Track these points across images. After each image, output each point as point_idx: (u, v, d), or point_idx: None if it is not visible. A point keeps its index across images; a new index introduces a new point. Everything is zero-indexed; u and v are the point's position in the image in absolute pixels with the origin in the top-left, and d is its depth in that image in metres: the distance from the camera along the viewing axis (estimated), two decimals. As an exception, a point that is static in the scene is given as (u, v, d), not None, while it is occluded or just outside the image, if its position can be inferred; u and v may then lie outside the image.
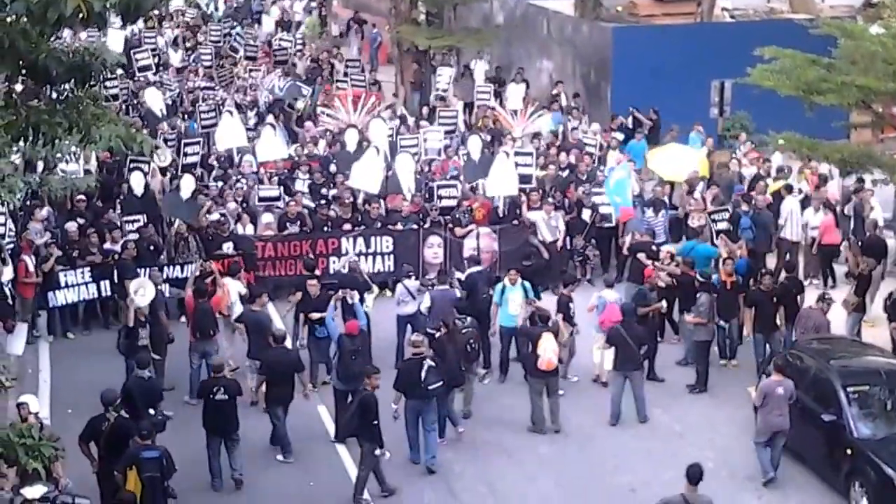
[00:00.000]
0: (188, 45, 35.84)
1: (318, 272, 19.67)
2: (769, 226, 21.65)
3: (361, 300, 18.26)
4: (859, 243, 20.50)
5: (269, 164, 24.00)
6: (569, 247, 22.07)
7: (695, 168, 23.58)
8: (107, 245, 20.59)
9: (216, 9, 43.16)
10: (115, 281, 19.83)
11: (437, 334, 16.75)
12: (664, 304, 18.68)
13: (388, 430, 15.28)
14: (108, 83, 25.23)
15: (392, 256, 21.48)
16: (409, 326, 18.25)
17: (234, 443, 15.48)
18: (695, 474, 12.71)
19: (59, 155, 13.61)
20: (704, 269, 19.27)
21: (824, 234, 21.41)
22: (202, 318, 17.70)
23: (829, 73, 19.40)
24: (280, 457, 16.16)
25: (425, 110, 29.33)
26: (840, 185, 23.15)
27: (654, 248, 20.42)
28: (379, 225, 21.81)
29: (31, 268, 19.50)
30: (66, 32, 14.87)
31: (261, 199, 22.29)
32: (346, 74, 30.87)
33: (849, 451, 14.85)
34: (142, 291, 17.67)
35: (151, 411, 14.99)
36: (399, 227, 21.75)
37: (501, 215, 22.17)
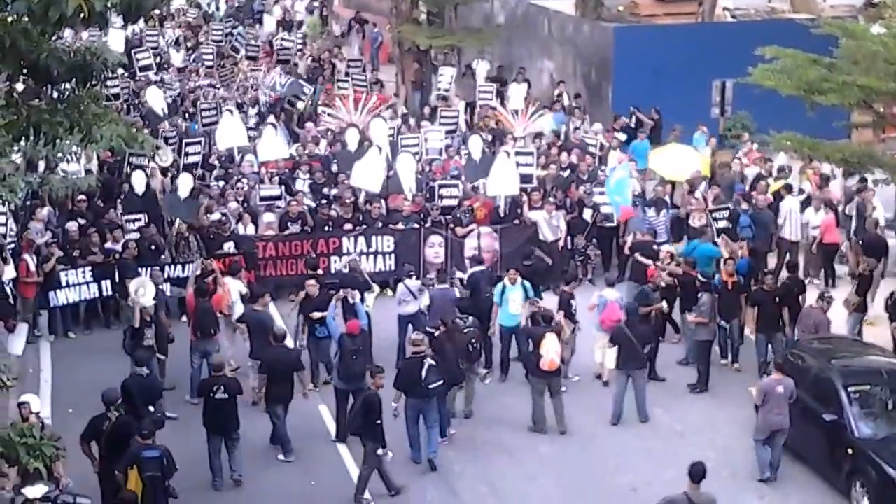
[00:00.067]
0: (189, 44, 35.84)
1: (320, 271, 19.70)
2: (769, 225, 21.65)
3: (362, 300, 18.26)
4: (860, 242, 20.50)
5: (270, 164, 24.00)
6: (570, 246, 22.07)
7: (697, 168, 23.58)
8: (108, 244, 20.60)
9: (217, 8, 43.15)
10: (116, 280, 19.82)
11: (436, 333, 16.75)
12: (664, 304, 18.67)
13: (389, 429, 15.29)
14: (108, 83, 25.22)
15: (393, 256, 21.48)
16: (410, 326, 18.25)
17: (234, 442, 15.49)
18: (698, 472, 12.75)
19: (60, 154, 13.60)
20: (706, 268, 19.26)
21: (825, 234, 21.42)
22: (203, 317, 17.71)
23: (831, 73, 19.40)
24: (281, 456, 16.17)
25: (427, 110, 29.33)
26: (842, 185, 23.15)
27: (654, 247, 20.43)
28: (380, 224, 21.81)
29: (33, 267, 19.51)
30: (68, 32, 14.88)
31: (262, 199, 22.29)
32: (347, 74, 30.86)
33: (850, 451, 14.85)
34: (142, 291, 17.68)
35: (151, 408, 14.99)
36: (400, 226, 21.75)
37: (503, 215, 22.18)
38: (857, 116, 22.40)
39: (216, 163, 24.59)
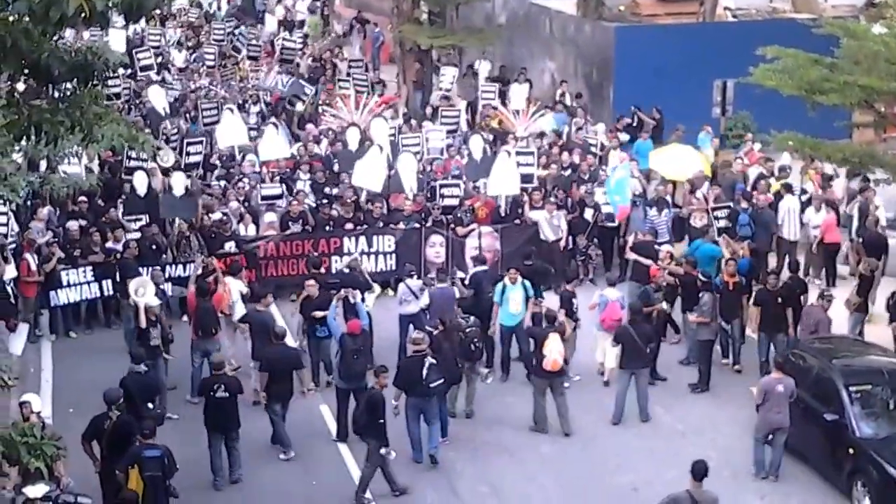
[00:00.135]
0: (190, 44, 35.83)
1: (322, 269, 19.71)
2: (770, 225, 21.65)
3: (362, 299, 18.26)
4: (861, 241, 20.49)
5: (271, 164, 23.99)
6: (571, 246, 22.07)
7: (700, 168, 23.58)
8: (109, 244, 20.59)
9: (219, 8, 43.14)
10: (118, 280, 19.82)
11: (434, 332, 16.76)
12: (664, 304, 18.63)
13: (391, 429, 15.28)
14: (110, 82, 25.20)
15: (394, 256, 21.48)
16: (411, 326, 18.25)
17: (233, 442, 15.50)
18: (700, 470, 12.78)
19: (61, 154, 13.61)
20: (708, 268, 19.25)
21: (826, 233, 21.43)
22: (204, 316, 17.72)
23: (832, 73, 19.40)
24: (282, 455, 16.17)
25: (428, 110, 29.34)
26: (845, 185, 23.14)
27: (655, 247, 20.42)
28: (381, 224, 21.81)
29: (34, 267, 19.51)
30: (69, 32, 14.86)
31: (263, 198, 22.29)
32: (348, 74, 30.85)
33: (851, 451, 14.86)
34: (142, 291, 17.70)
35: (150, 405, 14.98)
36: (401, 226, 21.75)
37: (503, 214, 22.18)
38: (859, 116, 22.40)
39: (217, 162, 24.59)
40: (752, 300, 18.41)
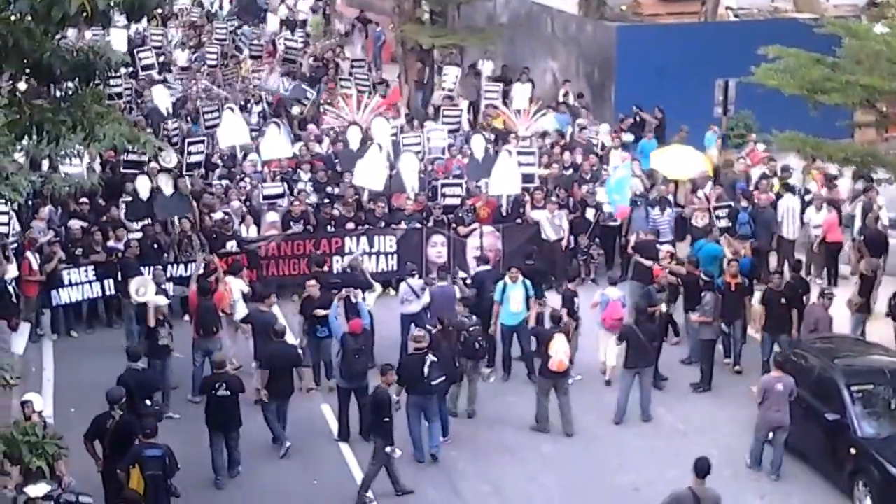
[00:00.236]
0: (192, 44, 35.82)
1: (325, 269, 19.71)
2: (771, 224, 21.66)
3: (362, 299, 18.25)
4: (862, 239, 20.49)
5: (273, 163, 23.99)
6: (573, 246, 22.07)
7: (703, 168, 23.58)
8: (110, 243, 20.60)
9: (220, 7, 43.12)
10: (119, 279, 19.83)
11: (433, 331, 16.77)
12: (663, 306, 18.59)
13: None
14: (111, 82, 25.17)
15: (395, 256, 21.48)
16: (412, 325, 18.25)
17: (234, 441, 15.53)
18: (703, 468, 12.80)
19: (62, 153, 13.62)
20: (710, 268, 19.24)
21: (828, 233, 21.42)
22: (205, 315, 17.73)
23: (834, 73, 19.40)
24: (282, 451, 16.16)
25: (431, 110, 29.33)
26: (850, 185, 23.15)
27: (657, 247, 20.41)
28: (383, 224, 21.81)
29: (35, 266, 19.51)
30: (71, 32, 14.87)
31: (265, 198, 22.29)
32: (350, 74, 30.85)
33: (852, 451, 14.85)
34: (142, 290, 17.72)
35: (148, 402, 14.97)
36: (402, 225, 21.76)
37: (505, 214, 22.18)
38: (860, 116, 22.38)
39: (219, 161, 24.59)
40: (759, 299, 18.38)
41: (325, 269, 19.79)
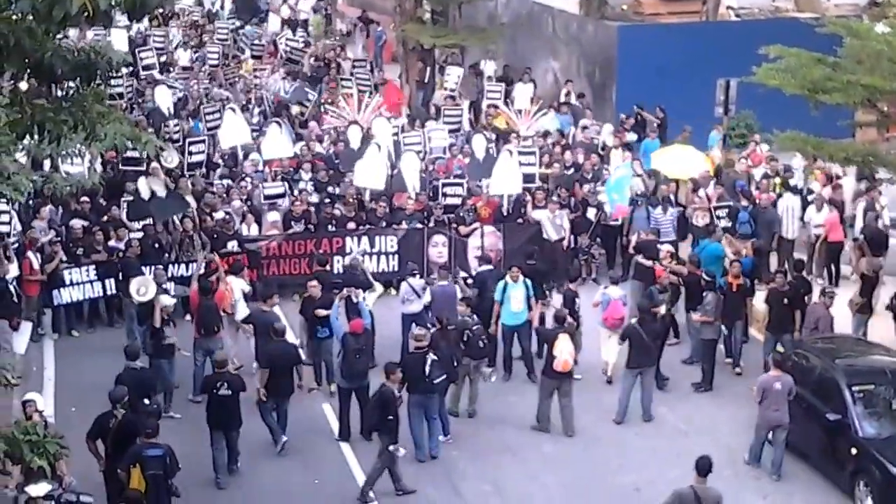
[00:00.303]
0: (193, 43, 35.80)
1: (327, 268, 19.73)
2: (772, 223, 21.66)
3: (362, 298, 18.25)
4: (863, 238, 20.48)
5: (274, 163, 23.98)
6: (574, 245, 22.07)
7: (705, 168, 23.58)
8: (111, 242, 20.60)
9: (222, 7, 43.09)
10: (120, 279, 19.83)
11: (432, 330, 16.77)
12: (663, 309, 18.57)
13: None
14: (112, 82, 25.16)
15: (396, 256, 21.49)
16: (413, 325, 18.25)
17: (234, 441, 15.57)
18: (704, 466, 12.83)
19: (64, 153, 13.62)
20: (713, 268, 19.22)
21: (830, 232, 21.42)
22: (207, 314, 17.74)
23: (835, 72, 19.39)
24: (278, 448, 16.15)
25: (433, 110, 29.32)
26: (854, 185, 23.16)
27: (658, 247, 20.40)
28: (383, 224, 21.81)
29: (36, 265, 19.52)
30: (73, 31, 14.87)
31: (266, 198, 22.28)
32: (352, 74, 30.84)
33: (854, 451, 14.85)
34: (143, 290, 17.73)
35: (146, 401, 14.97)
36: (403, 225, 21.76)
37: (506, 214, 22.18)
38: (862, 115, 22.37)
39: (220, 161, 24.60)
40: (763, 299, 18.35)
41: (327, 268, 19.78)
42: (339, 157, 24.49)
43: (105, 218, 21.26)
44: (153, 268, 19.41)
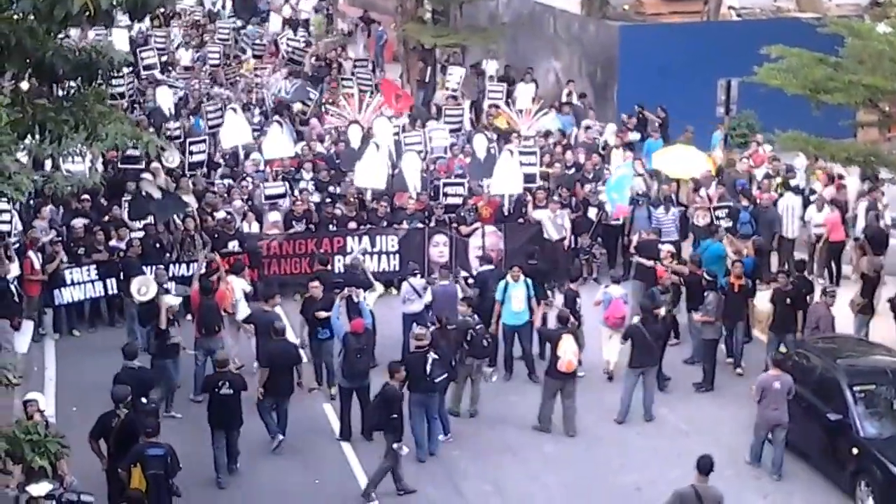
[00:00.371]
0: (194, 43, 35.80)
1: (328, 267, 19.74)
2: (773, 223, 21.66)
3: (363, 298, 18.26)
4: (864, 238, 20.48)
5: (275, 163, 23.98)
6: (575, 245, 22.06)
7: (707, 168, 23.57)
8: (112, 242, 20.61)
9: (223, 7, 43.08)
10: (121, 279, 19.83)
11: (431, 329, 16.76)
12: (663, 311, 18.56)
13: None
14: (113, 81, 25.16)
15: (397, 256, 21.49)
16: (414, 325, 18.25)
17: (234, 440, 15.57)
18: (705, 465, 12.85)
19: (65, 153, 13.65)
20: (716, 268, 19.21)
21: (832, 232, 21.42)
22: (207, 314, 17.74)
23: (836, 72, 19.39)
24: (273, 445, 16.16)
25: (434, 110, 29.32)
26: (858, 185, 23.16)
27: (659, 247, 20.40)
28: (384, 223, 21.81)
29: (37, 265, 19.52)
30: (75, 31, 14.87)
31: (267, 198, 22.28)
32: (353, 74, 30.85)
33: (855, 451, 14.85)
34: (144, 289, 17.73)
35: (144, 400, 14.97)
36: (404, 225, 21.75)
37: (507, 213, 22.17)
38: (863, 115, 22.37)
39: (221, 161, 24.60)
40: (768, 299, 18.34)
41: (328, 267, 19.79)
42: (340, 157, 24.49)
43: (106, 217, 21.27)
44: (154, 267, 19.43)
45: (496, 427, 17.07)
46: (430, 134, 25.55)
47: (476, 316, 17.50)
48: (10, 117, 10.97)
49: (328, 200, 22.47)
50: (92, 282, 20.10)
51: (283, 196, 22.39)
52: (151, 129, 22.86)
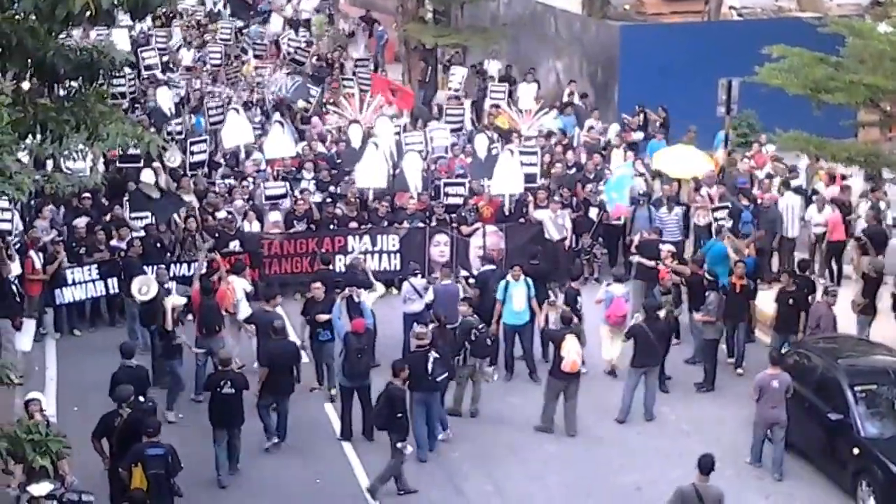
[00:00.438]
0: (195, 43, 35.81)
1: (330, 267, 19.74)
2: (774, 223, 21.65)
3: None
4: (864, 237, 20.48)
5: (277, 162, 23.99)
6: (576, 245, 22.06)
7: (710, 167, 23.57)
8: (113, 242, 20.61)
9: (224, 6, 43.09)
10: (122, 278, 19.84)
11: (430, 328, 16.76)
12: (662, 311, 18.55)
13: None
14: (114, 81, 25.16)
15: (398, 255, 21.50)
16: (415, 324, 18.24)
17: (235, 439, 15.57)
18: (706, 464, 12.87)
19: (66, 152, 13.65)
20: (717, 267, 19.20)
21: (833, 232, 21.42)
22: (208, 314, 17.74)
23: (837, 72, 19.40)
24: (266, 445, 16.16)
25: (435, 109, 29.30)
26: (862, 184, 23.17)
27: (659, 246, 20.38)
28: (385, 223, 21.82)
29: (38, 265, 19.52)
30: (77, 31, 14.87)
31: (267, 199, 22.27)
32: (354, 73, 30.86)
33: (856, 451, 14.85)
34: (145, 289, 17.73)
35: (141, 398, 14.98)
36: (405, 224, 21.76)
37: (508, 213, 22.17)
38: (864, 115, 22.38)
39: (222, 161, 24.60)
40: (773, 299, 18.34)
41: (330, 267, 19.79)
42: (341, 157, 24.49)
43: (107, 217, 21.28)
44: (155, 267, 19.43)
45: (497, 427, 17.06)
46: (432, 134, 25.55)
47: (476, 316, 17.50)
48: (11, 117, 10.98)
49: (329, 200, 22.47)
50: (93, 281, 20.10)
51: (283, 197, 22.39)
52: (153, 129, 22.86)
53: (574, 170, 24.04)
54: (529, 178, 22.65)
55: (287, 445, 16.33)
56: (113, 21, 10.56)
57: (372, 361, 17.10)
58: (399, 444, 14.95)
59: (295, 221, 21.64)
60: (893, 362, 16.17)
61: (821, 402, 15.62)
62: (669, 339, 18.08)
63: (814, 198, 22.28)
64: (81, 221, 20.83)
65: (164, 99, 27.92)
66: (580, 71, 31.51)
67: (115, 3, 10.16)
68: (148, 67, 30.53)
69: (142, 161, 22.16)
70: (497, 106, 27.95)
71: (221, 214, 21.47)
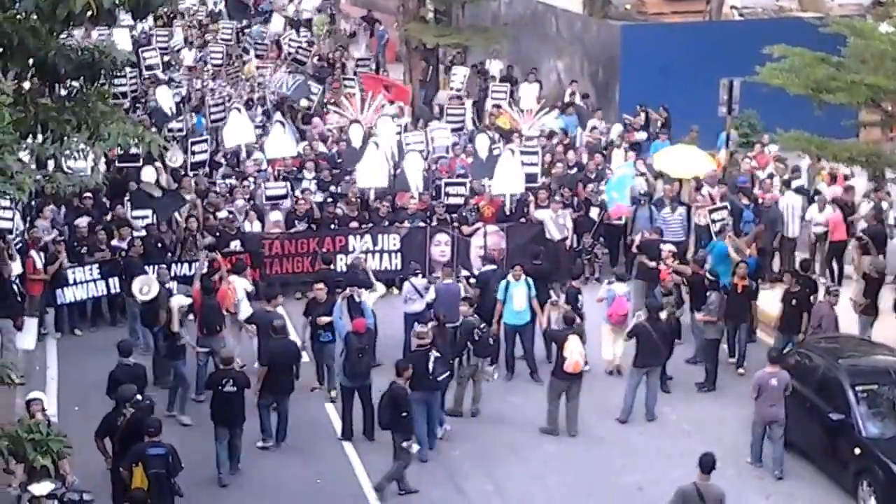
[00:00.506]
0: (197, 43, 35.81)
1: (331, 267, 19.74)
2: (776, 222, 21.65)
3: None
4: (865, 238, 20.48)
5: (278, 162, 23.99)
6: (577, 245, 22.05)
7: (712, 167, 23.57)
8: (115, 242, 20.62)
9: (225, 6, 43.06)
10: (123, 278, 19.84)
11: (430, 327, 16.77)
12: (664, 313, 18.53)
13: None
14: (115, 81, 25.17)
15: (399, 254, 21.50)
16: (416, 323, 18.23)
17: (236, 439, 15.58)
18: (707, 463, 12.88)
19: (67, 152, 13.66)
20: (720, 267, 19.18)
21: (834, 231, 21.41)
22: (209, 314, 17.74)
23: (839, 72, 19.41)
24: (259, 442, 16.19)
25: (436, 109, 29.30)
26: (866, 185, 23.17)
27: (660, 246, 20.37)
28: (386, 223, 21.82)
29: (39, 265, 19.52)
30: (78, 31, 14.88)
31: (268, 199, 22.27)
32: (355, 73, 30.86)
33: (857, 451, 14.84)
34: (145, 289, 17.72)
35: (139, 397, 14.99)
36: (406, 224, 21.76)
37: (509, 213, 22.17)
38: (865, 115, 22.39)
39: (223, 160, 24.61)
40: (779, 299, 18.34)
41: (331, 267, 19.79)
42: (342, 157, 24.49)
43: (108, 217, 21.28)
44: (156, 267, 19.44)
45: (498, 427, 17.06)
46: (433, 134, 25.56)
47: (477, 315, 17.50)
48: (12, 116, 10.99)
49: (330, 200, 22.48)
50: (94, 281, 20.10)
51: (284, 197, 22.38)
52: (154, 129, 22.88)
53: (575, 170, 24.04)
54: (530, 177, 22.64)
55: (287, 445, 16.34)
56: (114, 21, 10.58)
57: (373, 361, 17.11)
58: (405, 444, 14.96)
59: (296, 221, 21.64)
60: (895, 362, 16.17)
61: (822, 402, 15.62)
62: (673, 340, 18.07)
63: (817, 198, 22.27)
64: (83, 221, 20.83)
65: (165, 98, 27.91)
66: (581, 71, 31.51)
67: (117, 2, 10.16)
68: (149, 67, 30.53)
69: (141, 161, 22.17)
70: (498, 106, 27.94)
71: (222, 214, 21.47)
